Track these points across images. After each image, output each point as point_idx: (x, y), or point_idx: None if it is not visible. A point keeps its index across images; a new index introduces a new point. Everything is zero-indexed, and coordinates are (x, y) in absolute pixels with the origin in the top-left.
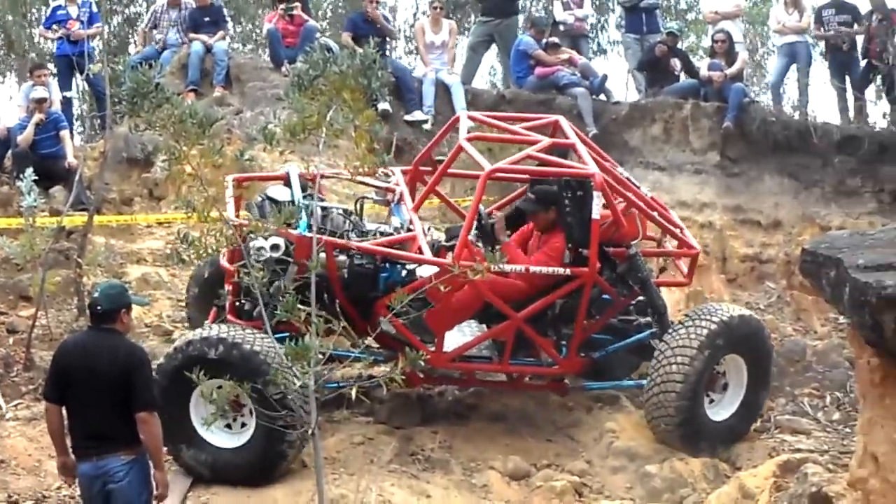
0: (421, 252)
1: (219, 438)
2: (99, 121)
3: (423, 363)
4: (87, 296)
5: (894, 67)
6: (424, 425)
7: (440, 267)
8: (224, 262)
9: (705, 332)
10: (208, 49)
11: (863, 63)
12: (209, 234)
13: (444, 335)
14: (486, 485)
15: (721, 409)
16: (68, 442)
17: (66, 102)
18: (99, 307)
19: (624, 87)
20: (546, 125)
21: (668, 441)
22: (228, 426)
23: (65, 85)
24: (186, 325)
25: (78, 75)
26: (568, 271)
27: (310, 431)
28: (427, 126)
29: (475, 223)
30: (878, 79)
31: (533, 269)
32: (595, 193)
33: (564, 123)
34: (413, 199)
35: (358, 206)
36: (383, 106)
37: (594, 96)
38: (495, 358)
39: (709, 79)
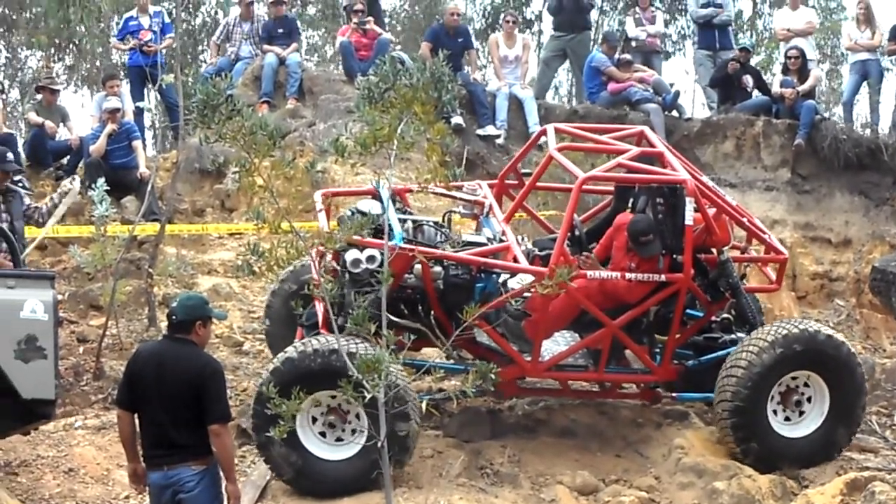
0: (517, 262)
1: (315, 446)
2: (171, 131)
3: (495, 376)
4: (159, 306)
5: None
6: (493, 439)
7: (537, 275)
8: (316, 275)
9: (784, 332)
10: (282, 61)
11: None
12: (280, 245)
13: (540, 343)
14: (554, 499)
15: (792, 428)
16: (139, 450)
17: (139, 113)
18: (174, 317)
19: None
20: (631, 136)
21: (722, 430)
22: (323, 434)
23: (137, 95)
24: (261, 337)
25: (150, 86)
26: (663, 277)
27: (379, 444)
28: (500, 140)
29: (568, 233)
30: None
31: (629, 276)
32: (687, 199)
33: (650, 133)
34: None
35: (446, 219)
36: (456, 120)
37: (666, 112)
38: (591, 366)
39: (781, 95)
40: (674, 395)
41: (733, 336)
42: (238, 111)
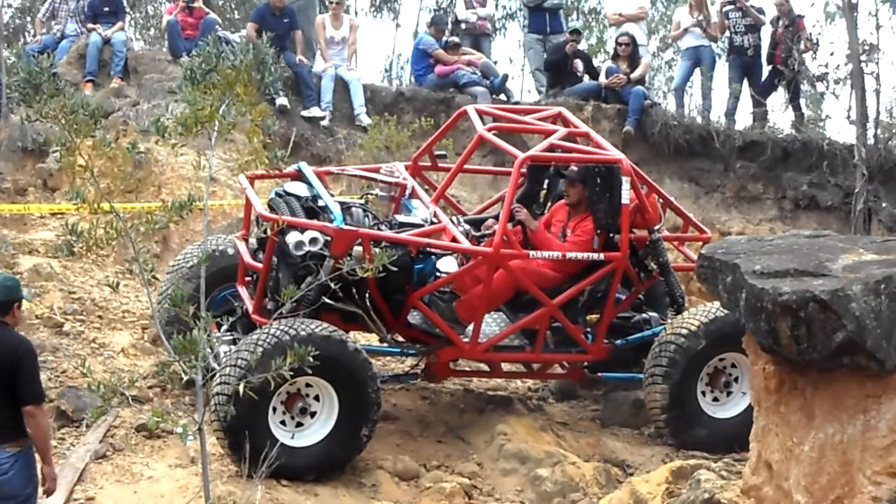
0: (456, 242)
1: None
2: None
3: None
4: None
5: (799, 74)
6: None
7: (481, 255)
8: (248, 259)
9: (713, 316)
10: (106, 40)
11: (767, 69)
12: (99, 226)
13: (480, 325)
14: (375, 485)
15: (720, 408)
16: None
17: None
18: None
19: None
20: (550, 117)
21: (651, 411)
22: (283, 423)
23: None
24: (82, 318)
25: None
26: (601, 256)
27: (196, 427)
28: (325, 122)
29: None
30: (783, 85)
31: (569, 255)
32: (623, 178)
33: (568, 114)
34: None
35: (364, 201)
36: (281, 101)
37: (494, 95)
38: (527, 347)
39: (607, 86)
40: (599, 374)
41: (644, 315)
42: (60, 90)
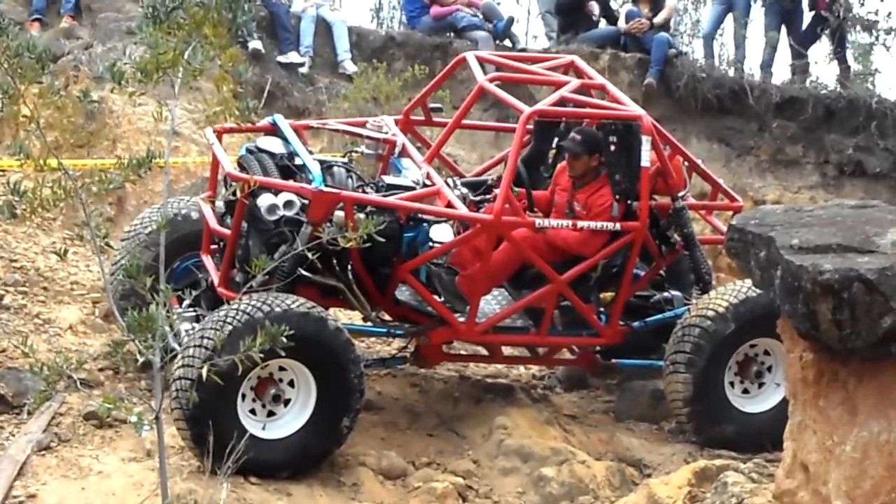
0: (452, 207)
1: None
2: None
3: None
4: None
5: (845, 21)
6: None
7: (480, 223)
8: (215, 224)
9: (744, 296)
10: None
11: (809, 15)
12: (46, 185)
13: (478, 302)
14: (356, 483)
15: (751, 402)
16: None
17: None
18: None
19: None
20: (560, 66)
21: (673, 404)
22: (253, 412)
23: None
24: (24, 289)
25: None
26: (618, 226)
27: (153, 416)
28: (304, 69)
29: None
30: (827, 34)
31: (580, 224)
32: (644, 137)
33: (581, 63)
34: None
35: (347, 160)
36: (255, 45)
37: (497, 41)
38: (532, 329)
39: (626, 31)
40: (613, 361)
41: (666, 294)
42: (3, 29)
